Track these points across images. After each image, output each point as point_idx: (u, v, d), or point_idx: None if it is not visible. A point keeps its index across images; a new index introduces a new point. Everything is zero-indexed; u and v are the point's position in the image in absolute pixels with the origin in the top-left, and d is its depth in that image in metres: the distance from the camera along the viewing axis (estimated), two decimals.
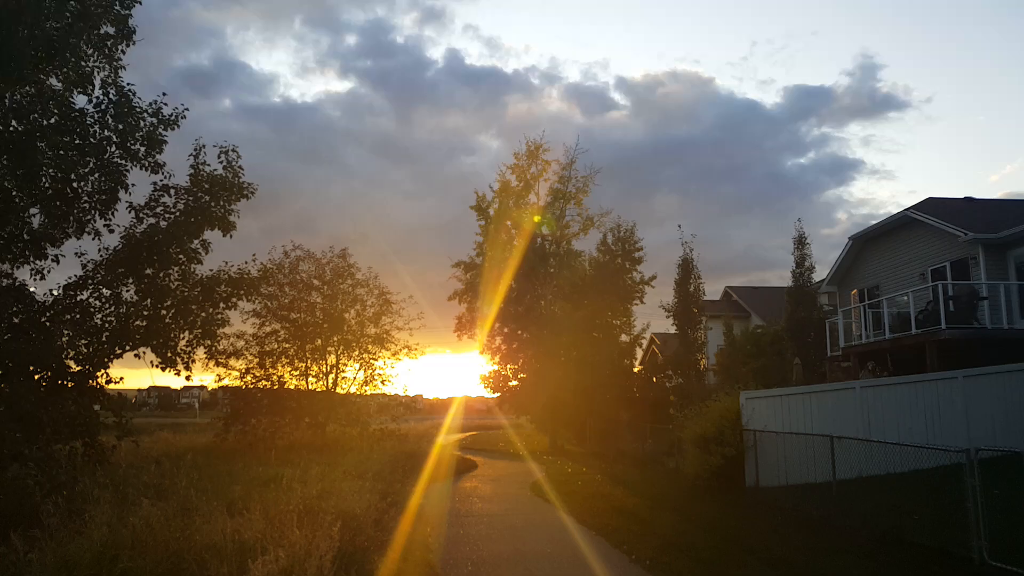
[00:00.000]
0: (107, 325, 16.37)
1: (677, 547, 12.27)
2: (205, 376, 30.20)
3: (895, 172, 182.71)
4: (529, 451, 36.46)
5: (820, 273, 32.29)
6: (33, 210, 15.48)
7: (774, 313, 38.21)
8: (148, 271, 16.68)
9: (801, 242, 30.87)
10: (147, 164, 16.53)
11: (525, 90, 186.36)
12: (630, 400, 36.53)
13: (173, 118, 16.60)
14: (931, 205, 27.74)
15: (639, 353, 42.81)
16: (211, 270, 18.60)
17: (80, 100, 15.90)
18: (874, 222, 29.46)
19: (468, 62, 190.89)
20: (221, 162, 17.70)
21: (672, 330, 37.15)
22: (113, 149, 15.97)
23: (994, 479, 10.60)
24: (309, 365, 32.22)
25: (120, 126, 15.84)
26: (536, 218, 39.13)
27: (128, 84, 16.06)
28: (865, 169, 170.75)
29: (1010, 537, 10.13)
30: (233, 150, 17.85)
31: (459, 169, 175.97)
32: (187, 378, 18.09)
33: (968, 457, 10.41)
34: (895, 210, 28.34)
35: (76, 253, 16.55)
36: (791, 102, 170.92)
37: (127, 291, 16.76)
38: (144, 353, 17.00)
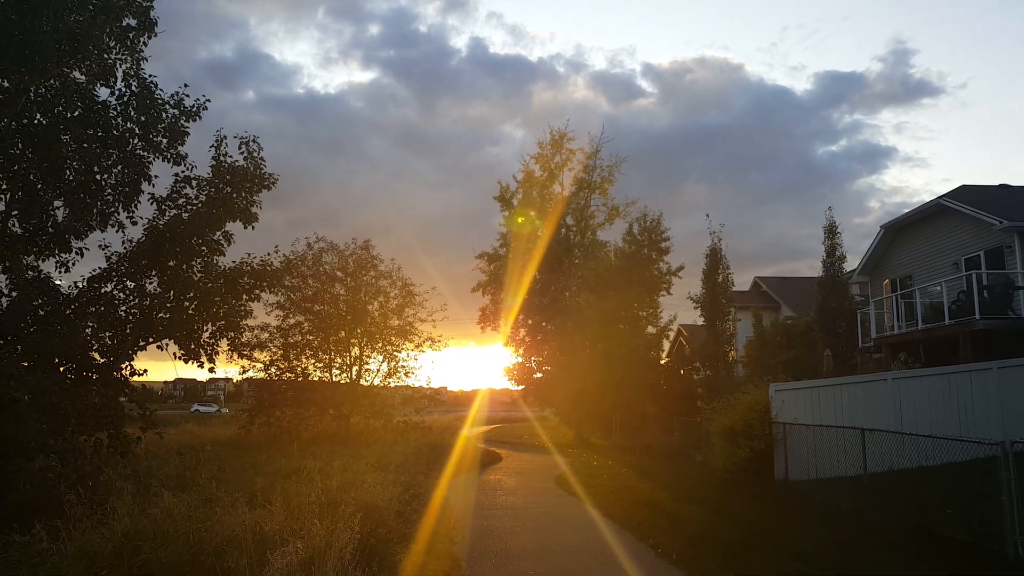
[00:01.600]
0: (131, 317, 16.52)
1: (704, 541, 12.18)
2: (230, 368, 30.31)
3: (929, 159, 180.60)
4: (554, 444, 36.44)
5: (851, 263, 31.89)
6: (57, 203, 15.65)
7: (804, 304, 37.82)
8: (171, 263, 16.80)
9: (832, 231, 30.43)
10: (169, 156, 16.65)
11: (550, 78, 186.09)
12: (657, 393, 36.40)
13: (195, 109, 16.68)
14: (965, 193, 27.28)
15: (666, 345, 42.64)
16: (234, 262, 18.74)
17: (103, 93, 16.05)
18: (907, 210, 29.04)
19: (492, 51, 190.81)
20: (242, 153, 17.79)
21: (700, 322, 36.94)
22: (135, 141, 16.10)
23: None
24: (333, 357, 32.34)
25: (142, 118, 15.95)
26: (560, 208, 39.02)
27: (150, 76, 16.19)
28: (898, 157, 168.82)
29: None
30: (254, 141, 17.94)
31: (483, 159, 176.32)
32: (210, 370, 18.25)
33: (1003, 450, 10.21)
34: (928, 198, 27.93)
35: (100, 246, 16.71)
36: (822, 88, 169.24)
37: (150, 283, 16.91)
38: (167, 345, 17.16)
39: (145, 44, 16.27)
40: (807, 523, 13.36)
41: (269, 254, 20.62)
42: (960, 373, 18.18)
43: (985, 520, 10.55)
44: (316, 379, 31.88)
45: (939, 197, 27.01)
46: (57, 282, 16.19)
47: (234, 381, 34.55)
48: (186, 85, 16.57)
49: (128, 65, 16.09)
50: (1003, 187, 29.09)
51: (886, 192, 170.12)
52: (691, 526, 13.57)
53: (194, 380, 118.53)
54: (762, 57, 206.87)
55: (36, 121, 14.79)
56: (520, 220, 39.22)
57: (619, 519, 14.79)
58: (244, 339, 20.51)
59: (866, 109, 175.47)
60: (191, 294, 17.27)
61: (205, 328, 17.87)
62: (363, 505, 11.58)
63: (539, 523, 14.82)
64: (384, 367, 33.34)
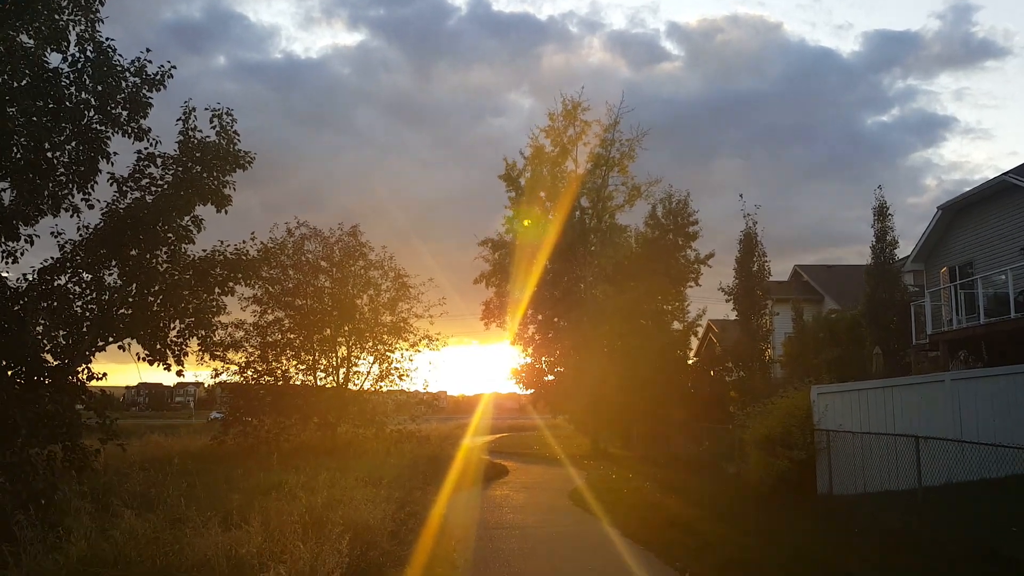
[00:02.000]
0: (88, 313, 16.50)
1: (738, 564, 12.17)
2: (200, 371, 30.35)
3: (992, 130, 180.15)
4: (567, 455, 36.49)
5: (905, 249, 31.79)
6: (3, 184, 15.61)
7: (851, 296, 37.73)
8: (133, 252, 16.75)
9: (882, 213, 30.32)
10: (130, 130, 16.57)
11: (562, 40, 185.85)
12: (683, 397, 36.39)
13: (158, 77, 16.61)
14: None
15: (694, 343, 42.65)
16: (204, 251, 18.68)
17: (54, 59, 15.98)
18: (967, 189, 28.92)
19: (495, 8, 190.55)
20: (214, 127, 17.71)
21: (732, 316, 36.89)
22: (91, 113, 16.02)
23: None
24: (317, 358, 32.39)
25: (99, 87, 15.88)
26: (574, 188, 38.93)
27: (107, 39, 16.11)
28: (958, 127, 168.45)
29: None
30: (227, 113, 17.87)
31: (486, 133, 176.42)
32: (178, 373, 18.21)
33: None
34: (992, 174, 27.77)
35: (52, 233, 16.68)
36: (872, 50, 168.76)
37: (110, 275, 16.87)
38: (129, 345, 17.14)
39: (101, 3, 16.22)
40: (855, 543, 13.31)
41: (244, 242, 20.54)
42: None
43: None
44: (298, 383, 31.94)
45: (1004, 173, 26.85)
46: (4, 274, 16.19)
47: (205, 386, 34.68)
48: (148, 50, 16.47)
49: (82, 27, 16.01)
50: None
51: (944, 168, 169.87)
52: (724, 547, 13.55)
53: (160, 385, 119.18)
54: (803, 15, 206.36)
55: None
56: (528, 202, 39.17)
57: (642, 540, 14.79)
58: (216, 338, 20.44)
59: (921, 73, 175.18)
60: (156, 287, 17.23)
61: (172, 326, 17.85)
62: (352, 524, 11.60)
63: (551, 545, 14.84)
64: (375, 369, 33.42)
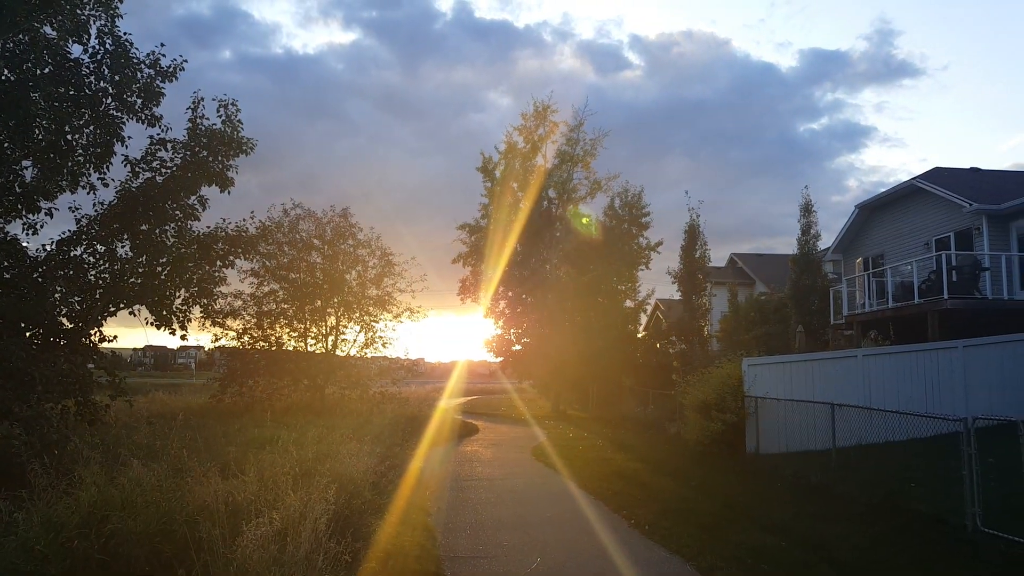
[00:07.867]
0: (101, 282, 16.14)
1: (677, 512, 12.26)
2: (202, 336, 29.92)
3: (907, 140, 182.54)
4: (532, 416, 36.52)
5: (827, 241, 32.10)
6: (26, 163, 15.17)
7: (779, 281, 38.03)
8: (143, 227, 16.40)
9: (808, 209, 30.55)
10: (144, 117, 16.20)
11: (536, 46, 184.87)
12: (633, 366, 36.69)
13: (171, 70, 16.24)
14: (938, 175, 27.49)
15: (643, 319, 42.86)
16: (208, 227, 18.36)
17: (76, 50, 15.54)
18: (882, 190, 29.19)
19: (478, 15, 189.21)
20: (220, 116, 17.34)
21: (677, 296, 37.18)
22: (109, 101, 15.64)
23: (990, 448, 10.49)
24: (308, 326, 31.96)
25: (116, 77, 15.49)
26: (542, 181, 38.86)
27: (125, 33, 15.69)
28: (877, 136, 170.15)
29: (1002, 504, 10.13)
30: (232, 104, 17.49)
31: (466, 126, 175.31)
32: (182, 337, 17.89)
33: (965, 426, 10.30)
34: (905, 178, 28.08)
35: (70, 208, 16.29)
36: (806, 66, 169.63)
37: (122, 247, 16.50)
38: (139, 311, 16.81)
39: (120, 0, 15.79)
40: (777, 495, 13.45)
41: (244, 220, 20.28)
42: (927, 351, 18.58)
43: (947, 494, 10.70)
44: (290, 349, 31.52)
45: (913, 178, 27.20)
46: (24, 244, 15.80)
47: (206, 349, 34.03)
48: (162, 44, 16.08)
49: (102, 22, 15.56)
50: (974, 170, 29.32)
51: (864, 171, 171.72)
52: (664, 497, 13.68)
53: (164, 348, 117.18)
54: (749, 33, 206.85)
55: (4, 77, 14.32)
56: (501, 192, 39.01)
57: (594, 490, 14.86)
58: (217, 306, 20.04)
59: (848, 88, 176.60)
60: (164, 259, 16.88)
61: (177, 294, 17.48)
62: (338, 476, 11.48)
63: (515, 494, 14.84)
64: (361, 337, 33.02)
